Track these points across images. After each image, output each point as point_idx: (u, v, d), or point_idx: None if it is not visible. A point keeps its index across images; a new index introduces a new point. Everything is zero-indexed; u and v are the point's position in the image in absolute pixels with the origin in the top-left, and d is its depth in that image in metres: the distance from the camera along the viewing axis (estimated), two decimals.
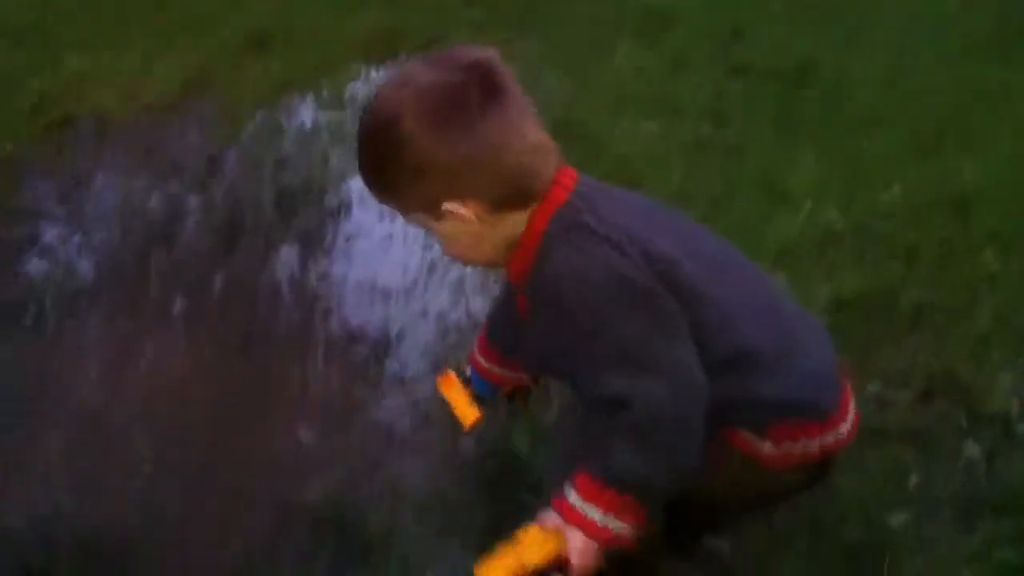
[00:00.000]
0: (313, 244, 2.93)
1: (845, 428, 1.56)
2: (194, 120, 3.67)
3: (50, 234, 2.98)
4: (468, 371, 1.89)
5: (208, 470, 2.15)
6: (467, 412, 1.87)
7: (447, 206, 1.42)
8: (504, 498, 2.00)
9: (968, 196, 3.08)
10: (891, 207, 3.04)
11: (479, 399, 1.88)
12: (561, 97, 3.83)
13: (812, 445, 1.52)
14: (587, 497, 1.39)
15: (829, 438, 1.54)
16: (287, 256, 2.88)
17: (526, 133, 1.43)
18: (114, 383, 2.39)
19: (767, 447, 1.50)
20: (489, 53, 1.44)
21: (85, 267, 2.82)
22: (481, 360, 1.86)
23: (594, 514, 1.38)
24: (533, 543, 1.41)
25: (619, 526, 1.38)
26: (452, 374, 1.91)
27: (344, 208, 3.08)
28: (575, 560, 1.40)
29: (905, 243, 2.84)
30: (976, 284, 2.64)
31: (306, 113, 3.76)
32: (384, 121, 1.40)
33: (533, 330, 1.54)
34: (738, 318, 1.47)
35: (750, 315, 1.49)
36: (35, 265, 2.84)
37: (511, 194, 1.44)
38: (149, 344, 2.51)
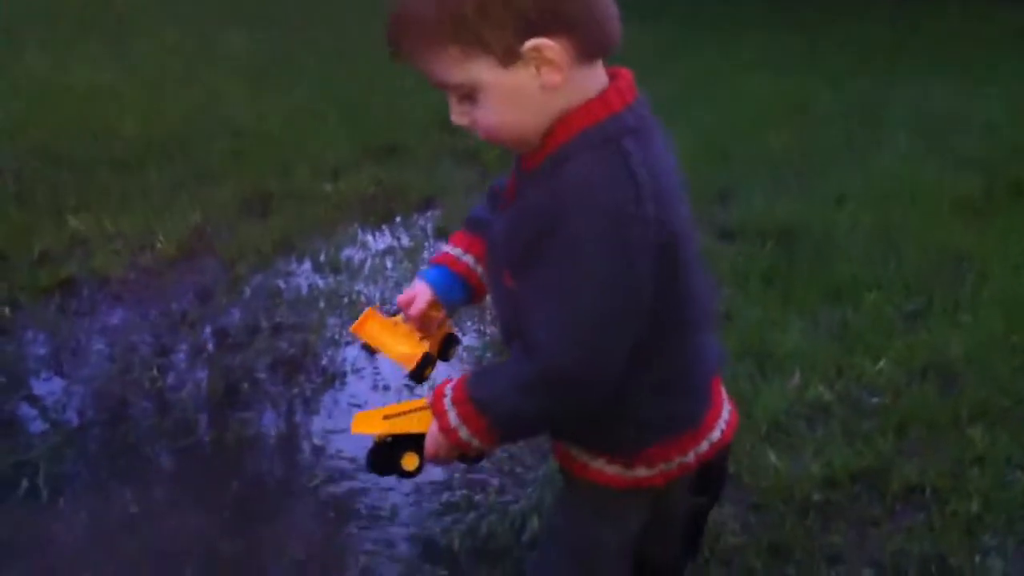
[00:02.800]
0: (309, 411, 2.95)
1: (718, 431, 1.57)
2: (192, 282, 3.72)
3: (45, 395, 2.99)
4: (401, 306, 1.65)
5: None
6: (414, 347, 1.63)
7: (536, 42, 1.26)
8: None
9: (955, 368, 3.14)
10: (879, 380, 3.08)
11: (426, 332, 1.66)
12: None
13: (687, 458, 1.53)
14: (454, 399, 1.43)
15: (703, 446, 1.54)
16: (281, 422, 2.89)
17: None
18: (102, 546, 2.37)
19: (641, 472, 1.51)
20: None
21: (77, 429, 2.81)
22: (457, 251, 1.66)
23: (452, 416, 1.43)
24: (410, 414, 1.53)
25: (468, 436, 1.42)
26: (371, 310, 1.67)
27: (339, 376, 3.10)
28: (427, 443, 1.48)
29: (895, 418, 2.86)
30: (965, 464, 2.66)
31: (303, 277, 3.81)
32: None
33: (501, 222, 1.44)
34: (690, 329, 1.45)
35: (698, 331, 1.48)
36: (30, 426, 2.84)
37: (599, 40, 1.32)
38: (136, 507, 2.51)
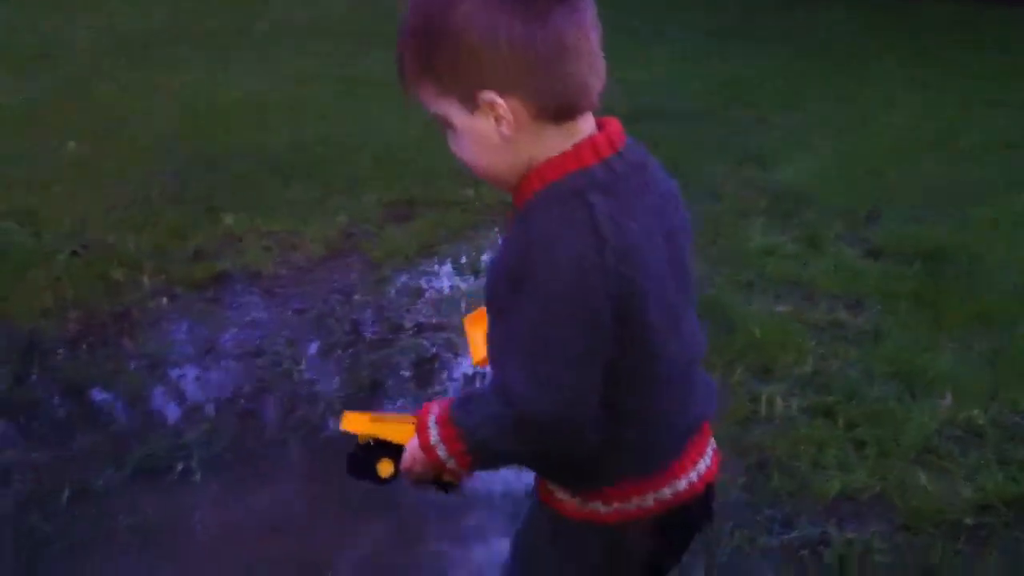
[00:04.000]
0: None
1: (685, 481, 1.51)
2: (338, 280, 3.82)
3: (196, 383, 3.11)
4: None
5: None
6: (480, 348, 1.73)
7: (488, 96, 1.32)
8: None
9: None
10: None
11: None
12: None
13: (647, 500, 1.49)
14: (438, 419, 1.44)
15: (666, 492, 1.49)
16: None
17: (592, 41, 1.34)
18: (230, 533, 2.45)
19: (598, 507, 1.49)
20: None
21: (222, 420, 2.91)
22: None
23: (433, 435, 1.44)
24: (396, 424, 1.56)
25: (446, 456, 1.43)
26: (482, 310, 1.71)
27: (480, 377, 3.14)
28: (405, 457, 1.50)
29: None
30: None
31: (445, 278, 3.88)
32: None
33: (496, 253, 1.47)
34: (659, 384, 1.43)
35: (669, 385, 1.45)
36: (182, 412, 2.95)
37: (558, 104, 1.35)
38: (276, 495, 2.58)
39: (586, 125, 1.38)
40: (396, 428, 1.58)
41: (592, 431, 1.37)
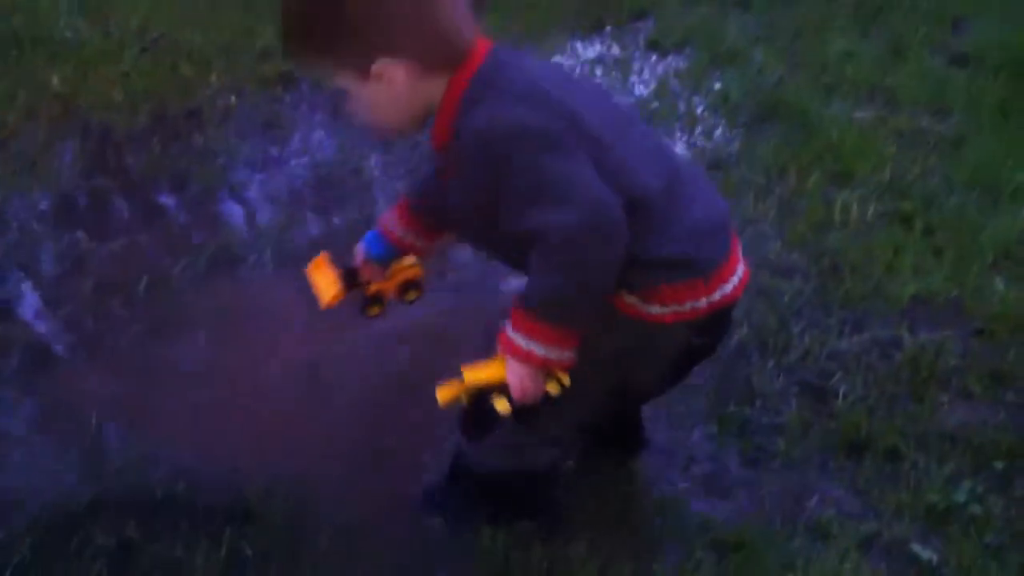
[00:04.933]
0: None
1: (732, 284, 1.64)
2: None
3: (264, 177, 3.12)
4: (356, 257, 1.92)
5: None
6: (327, 289, 1.90)
7: (379, 65, 1.50)
8: None
9: None
10: None
11: (349, 280, 1.90)
12: (771, 76, 3.76)
13: (700, 304, 1.60)
14: (515, 326, 1.52)
15: (716, 295, 1.61)
16: None
17: None
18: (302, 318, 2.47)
19: (655, 309, 1.58)
20: None
21: (293, 215, 2.94)
22: (391, 221, 1.89)
23: (521, 340, 1.51)
24: (479, 369, 1.58)
25: (545, 350, 1.51)
26: (323, 256, 1.93)
27: None
28: (511, 382, 1.55)
29: None
30: None
31: None
32: None
33: (455, 191, 1.61)
34: (635, 165, 1.55)
35: (643, 164, 1.57)
36: (248, 211, 2.98)
37: (442, 52, 1.52)
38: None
39: (467, 45, 1.55)
40: (486, 370, 1.58)
41: (635, 239, 1.49)
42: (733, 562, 1.87)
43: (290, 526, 1.91)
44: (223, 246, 2.74)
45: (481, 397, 1.60)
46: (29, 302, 2.52)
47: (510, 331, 1.53)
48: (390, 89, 1.52)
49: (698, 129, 3.43)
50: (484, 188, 1.52)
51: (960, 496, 2.00)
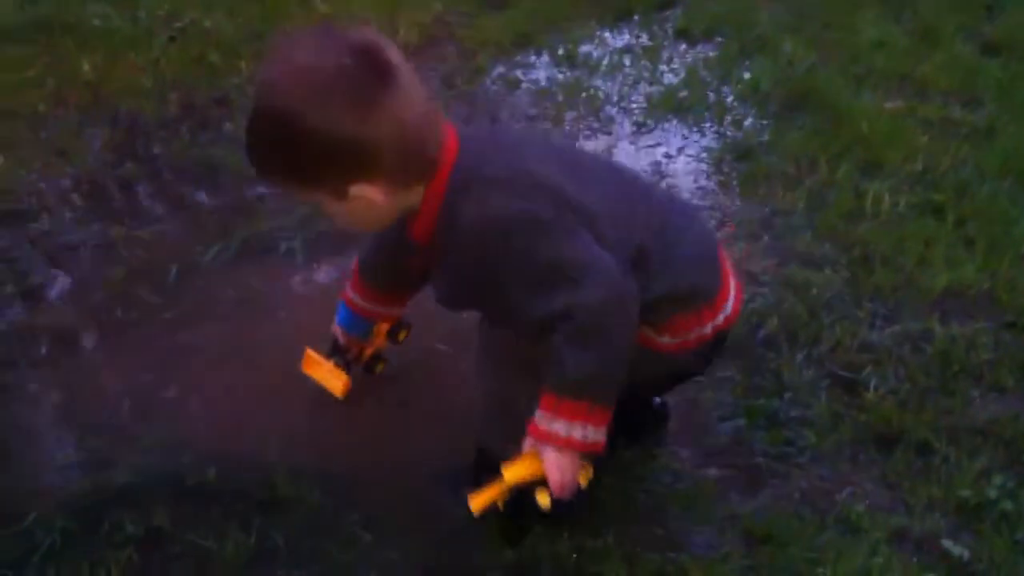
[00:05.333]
0: None
1: (730, 304, 1.73)
2: (433, 68, 3.74)
3: None
4: (331, 343, 2.10)
5: None
6: (335, 381, 2.07)
7: (355, 190, 1.50)
8: None
9: None
10: None
11: (344, 362, 2.08)
12: (800, 66, 3.73)
13: (705, 330, 1.68)
14: (549, 412, 1.51)
15: (719, 319, 1.70)
16: None
17: (417, 103, 1.49)
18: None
19: (665, 339, 1.66)
20: (369, 31, 1.48)
21: None
22: (356, 298, 2.00)
23: (558, 427, 1.51)
24: (514, 467, 1.56)
25: (584, 432, 1.51)
26: (309, 352, 2.08)
27: None
28: (551, 473, 1.53)
29: None
30: None
31: (542, 70, 3.78)
32: (284, 114, 1.43)
33: (446, 274, 1.65)
34: (626, 221, 1.60)
35: (632, 216, 1.62)
36: (279, 201, 2.97)
37: (415, 167, 1.53)
38: None
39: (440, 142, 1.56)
40: (523, 466, 1.57)
41: (641, 288, 1.55)
42: (762, 554, 1.86)
43: (319, 514, 1.92)
44: (253, 234, 2.74)
45: (521, 493, 1.59)
46: (58, 288, 2.54)
47: (546, 422, 1.52)
48: (369, 206, 1.53)
49: (727, 119, 3.41)
50: (474, 277, 1.57)
51: (992, 492, 1.98)
